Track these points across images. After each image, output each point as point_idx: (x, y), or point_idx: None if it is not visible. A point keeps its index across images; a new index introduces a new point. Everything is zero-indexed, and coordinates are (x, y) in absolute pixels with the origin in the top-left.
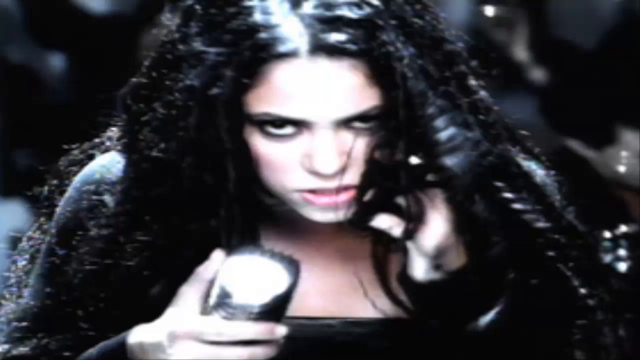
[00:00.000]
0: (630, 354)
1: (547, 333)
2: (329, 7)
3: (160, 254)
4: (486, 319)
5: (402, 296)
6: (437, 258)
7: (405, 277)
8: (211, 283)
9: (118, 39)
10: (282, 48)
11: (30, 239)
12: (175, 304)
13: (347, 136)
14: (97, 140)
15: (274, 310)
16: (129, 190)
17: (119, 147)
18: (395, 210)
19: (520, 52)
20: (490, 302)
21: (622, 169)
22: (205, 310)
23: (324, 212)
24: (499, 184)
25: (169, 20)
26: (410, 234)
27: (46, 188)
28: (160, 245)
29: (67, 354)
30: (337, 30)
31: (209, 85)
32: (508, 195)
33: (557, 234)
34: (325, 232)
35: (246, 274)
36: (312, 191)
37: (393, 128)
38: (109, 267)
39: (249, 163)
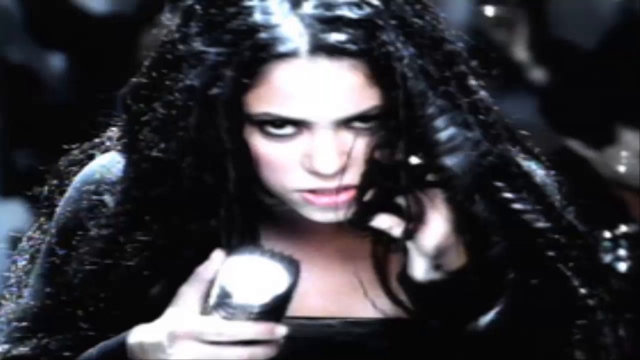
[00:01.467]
0: (630, 354)
1: (547, 333)
2: (329, 7)
3: (160, 254)
4: (486, 319)
5: (402, 296)
6: (437, 258)
7: (405, 277)
8: (211, 283)
9: (118, 39)
10: (282, 48)
11: (30, 239)
12: (175, 304)
13: (347, 136)
14: (97, 140)
15: (274, 310)
16: (129, 190)
17: (119, 147)
18: (395, 210)
19: (520, 52)
20: (490, 302)
21: (622, 169)
22: (205, 310)
23: (324, 212)
24: (499, 184)
25: (169, 20)
26: (410, 234)
27: (46, 188)
28: (160, 245)
29: (67, 354)
30: (337, 30)
31: (209, 85)
32: (508, 195)
33: (557, 234)
34: (325, 232)
35: (246, 274)
36: (312, 191)
37: (393, 128)
38: (109, 267)
39: (249, 163)
